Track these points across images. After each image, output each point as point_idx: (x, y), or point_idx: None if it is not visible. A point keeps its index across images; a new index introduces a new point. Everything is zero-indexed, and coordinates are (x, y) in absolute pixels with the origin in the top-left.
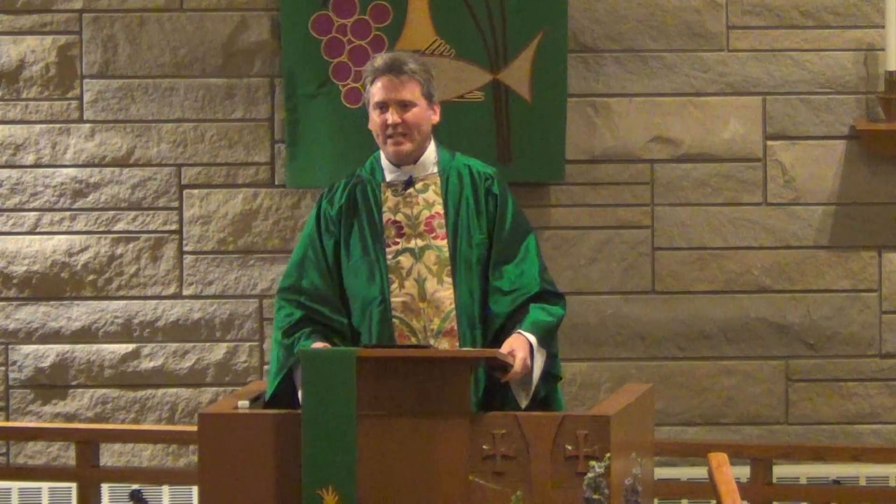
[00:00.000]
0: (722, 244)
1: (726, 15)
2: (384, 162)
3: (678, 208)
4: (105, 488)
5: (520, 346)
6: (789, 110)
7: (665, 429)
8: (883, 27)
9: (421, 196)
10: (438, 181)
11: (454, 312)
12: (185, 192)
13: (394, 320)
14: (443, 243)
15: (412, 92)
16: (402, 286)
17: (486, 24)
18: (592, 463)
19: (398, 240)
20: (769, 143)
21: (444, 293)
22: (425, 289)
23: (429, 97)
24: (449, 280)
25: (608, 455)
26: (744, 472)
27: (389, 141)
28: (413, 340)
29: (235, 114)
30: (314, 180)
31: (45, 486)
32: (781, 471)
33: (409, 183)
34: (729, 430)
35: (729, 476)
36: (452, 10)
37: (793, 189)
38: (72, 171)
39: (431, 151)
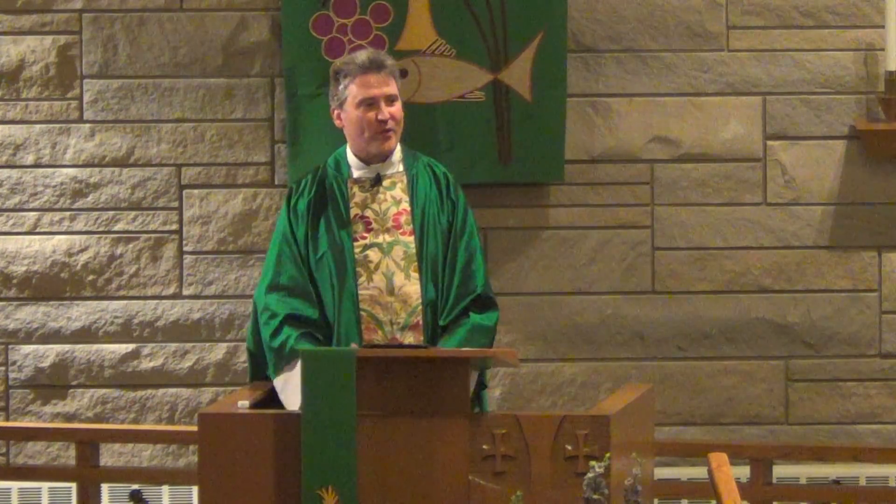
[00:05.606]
0: (722, 244)
1: (726, 15)
2: (351, 158)
3: (678, 208)
4: (105, 488)
5: None
6: (789, 110)
7: (665, 429)
8: (883, 27)
9: (389, 193)
10: (405, 179)
11: (420, 307)
12: (184, 192)
13: (361, 312)
14: (410, 239)
15: (394, 87)
16: (370, 279)
17: (487, 24)
18: (592, 463)
19: (366, 234)
20: (769, 143)
21: (411, 288)
22: (393, 283)
23: (400, 91)
24: (416, 275)
25: (608, 455)
26: (744, 472)
27: (381, 136)
28: (379, 333)
29: (235, 114)
30: None
31: (45, 486)
32: (781, 471)
33: (378, 180)
34: (729, 430)
35: (729, 476)
36: (453, 11)
37: (793, 189)
38: (72, 171)
39: (398, 150)
